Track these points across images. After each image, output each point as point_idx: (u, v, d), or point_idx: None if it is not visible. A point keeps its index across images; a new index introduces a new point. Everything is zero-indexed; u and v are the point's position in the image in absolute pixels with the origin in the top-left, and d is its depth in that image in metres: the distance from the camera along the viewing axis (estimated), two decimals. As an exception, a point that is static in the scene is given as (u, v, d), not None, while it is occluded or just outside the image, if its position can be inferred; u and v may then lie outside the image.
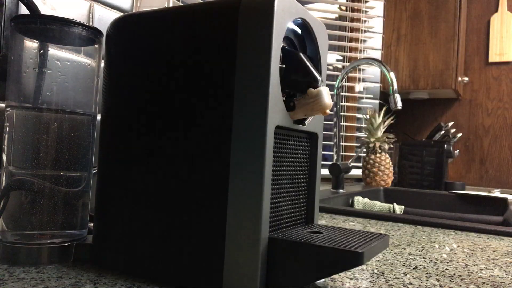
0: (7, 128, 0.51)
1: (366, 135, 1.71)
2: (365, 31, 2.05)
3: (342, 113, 1.99)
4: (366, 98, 2.03)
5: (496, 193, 1.64)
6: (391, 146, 1.74)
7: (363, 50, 2.04)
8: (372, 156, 1.67)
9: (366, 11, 2.04)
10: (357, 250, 0.37)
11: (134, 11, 0.88)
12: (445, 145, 1.75)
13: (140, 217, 0.46)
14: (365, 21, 2.06)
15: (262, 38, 0.40)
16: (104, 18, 0.81)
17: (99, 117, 0.53)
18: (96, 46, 0.55)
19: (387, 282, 0.48)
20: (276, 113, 0.41)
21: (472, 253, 0.65)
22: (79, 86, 0.54)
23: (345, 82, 2.03)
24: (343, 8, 2.05)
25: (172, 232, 0.44)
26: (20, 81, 0.51)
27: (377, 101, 2.04)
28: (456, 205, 1.40)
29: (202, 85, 0.43)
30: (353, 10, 2.02)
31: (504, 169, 2.19)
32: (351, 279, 0.49)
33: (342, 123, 1.99)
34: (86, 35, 0.53)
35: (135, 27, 0.49)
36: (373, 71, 2.04)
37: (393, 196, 1.56)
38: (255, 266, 0.39)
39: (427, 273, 0.53)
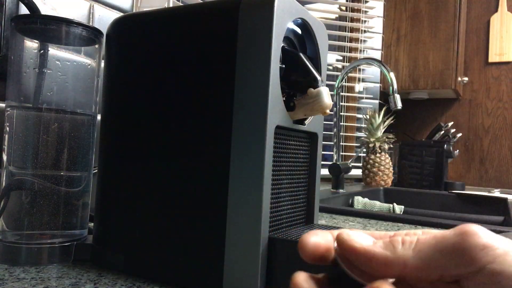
0: (7, 128, 0.51)
1: (366, 135, 1.71)
2: (365, 31, 2.05)
3: (342, 113, 1.99)
4: (366, 98, 2.03)
5: (496, 193, 1.64)
6: (391, 146, 1.74)
7: (363, 50, 2.04)
8: (372, 156, 1.67)
9: (366, 11, 2.04)
10: (357, 250, 0.37)
11: (134, 11, 0.88)
12: (445, 145, 1.75)
13: (140, 217, 0.46)
14: (365, 21, 2.06)
15: (262, 38, 0.40)
16: (104, 18, 0.81)
17: (99, 117, 0.53)
18: (96, 46, 0.55)
19: (387, 282, 0.48)
20: (276, 113, 0.41)
21: (472, 253, 0.65)
22: (79, 86, 0.54)
23: (345, 82, 2.03)
24: (343, 8, 2.05)
25: (172, 232, 0.44)
26: (20, 81, 0.51)
27: (377, 101, 2.04)
28: (456, 205, 1.40)
29: (202, 85, 0.43)
30: (353, 10, 2.02)
31: (504, 169, 2.18)
32: (351, 279, 0.49)
33: (342, 123, 1.99)
34: (86, 35, 0.53)
35: (135, 27, 0.49)
36: (373, 71, 2.04)
37: (393, 196, 1.56)
38: (255, 266, 0.39)
39: (427, 273, 0.53)
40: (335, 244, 0.23)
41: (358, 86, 2.00)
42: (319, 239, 0.24)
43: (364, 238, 0.22)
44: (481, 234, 0.21)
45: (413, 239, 0.22)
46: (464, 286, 0.21)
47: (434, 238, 0.22)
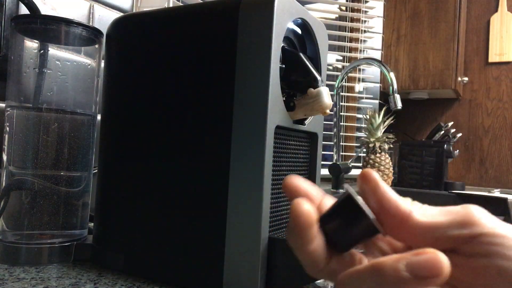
0: (7, 128, 0.51)
1: (366, 135, 1.71)
2: (365, 31, 2.05)
3: (342, 113, 1.99)
4: (366, 98, 2.03)
5: (496, 193, 1.64)
6: (391, 146, 1.73)
7: (363, 50, 2.04)
8: (372, 156, 1.67)
9: (366, 11, 2.04)
10: (357, 250, 0.37)
11: (134, 11, 0.88)
12: (445, 145, 1.75)
13: (140, 217, 0.46)
14: (365, 21, 2.06)
15: (262, 38, 0.40)
16: (104, 18, 0.81)
17: (99, 117, 0.53)
18: (96, 46, 0.55)
19: (387, 282, 0.48)
20: (276, 113, 0.41)
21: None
22: (79, 86, 0.54)
23: (345, 82, 2.02)
24: (343, 8, 2.05)
25: (172, 232, 0.44)
26: (20, 81, 0.51)
27: (377, 101, 2.04)
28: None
29: (202, 86, 0.43)
30: (353, 10, 2.02)
31: (504, 169, 2.18)
32: (351, 279, 0.49)
33: (342, 123, 1.99)
34: (86, 35, 0.53)
35: (135, 27, 0.49)
36: (373, 71, 2.04)
37: (393, 196, 1.56)
38: (255, 266, 0.39)
39: (427, 273, 0.53)
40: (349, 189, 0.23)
41: (358, 86, 2.00)
42: (305, 183, 0.25)
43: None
44: (484, 210, 0.23)
45: (420, 204, 0.23)
46: (461, 252, 0.22)
47: (439, 207, 0.23)
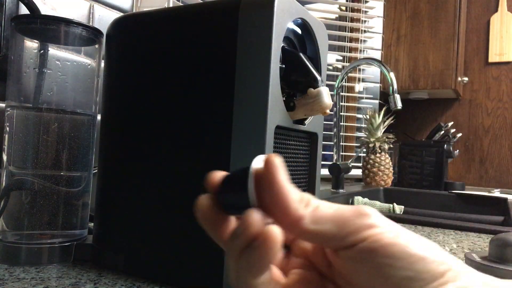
0: (7, 128, 0.51)
1: (366, 135, 1.71)
2: (365, 31, 2.05)
3: (342, 113, 1.99)
4: (366, 98, 2.03)
5: (496, 193, 1.64)
6: (391, 146, 1.74)
7: (363, 50, 2.04)
8: (372, 156, 1.67)
9: (366, 11, 2.04)
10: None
11: (134, 11, 0.88)
12: (445, 145, 1.75)
13: (140, 217, 0.46)
14: (365, 21, 2.06)
15: (262, 38, 0.40)
16: (104, 18, 0.81)
17: (99, 117, 0.53)
18: (96, 46, 0.55)
19: (387, 282, 0.48)
20: (276, 113, 0.41)
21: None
22: (79, 86, 0.54)
23: (345, 82, 2.02)
24: (343, 8, 2.05)
25: (172, 232, 0.44)
26: (20, 81, 0.51)
27: (377, 101, 2.04)
28: (456, 205, 1.40)
29: (202, 85, 0.43)
30: (353, 10, 2.02)
31: (504, 169, 2.18)
32: (351, 279, 0.49)
33: (342, 123, 1.99)
34: (86, 35, 0.53)
35: (135, 27, 0.49)
36: (373, 71, 2.04)
37: (393, 196, 1.56)
38: (255, 266, 0.39)
39: (427, 273, 0.52)
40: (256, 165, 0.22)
41: (358, 86, 2.00)
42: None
43: (287, 178, 0.22)
44: (374, 215, 0.23)
45: (316, 205, 0.23)
46: (341, 255, 0.22)
47: (333, 210, 0.23)
